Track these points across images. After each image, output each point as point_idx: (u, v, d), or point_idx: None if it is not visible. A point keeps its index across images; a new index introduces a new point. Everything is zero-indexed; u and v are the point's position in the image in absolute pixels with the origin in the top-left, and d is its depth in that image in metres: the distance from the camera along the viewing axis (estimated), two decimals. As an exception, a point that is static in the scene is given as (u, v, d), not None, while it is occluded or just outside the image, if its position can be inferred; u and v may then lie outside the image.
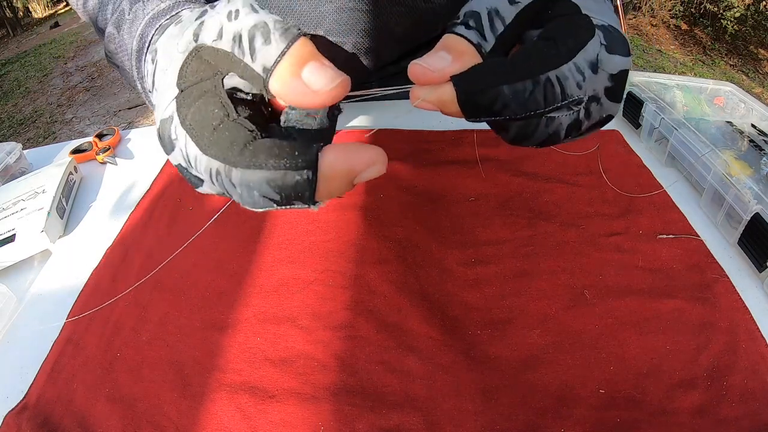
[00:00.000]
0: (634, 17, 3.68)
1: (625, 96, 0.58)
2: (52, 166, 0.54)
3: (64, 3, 5.70)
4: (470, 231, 0.45)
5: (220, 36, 0.20)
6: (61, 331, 0.39)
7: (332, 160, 0.19)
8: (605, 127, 0.56)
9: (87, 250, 0.46)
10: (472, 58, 0.21)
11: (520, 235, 0.44)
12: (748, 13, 3.36)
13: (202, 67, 0.21)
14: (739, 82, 3.02)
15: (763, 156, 0.45)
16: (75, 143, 0.62)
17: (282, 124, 0.21)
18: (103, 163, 0.59)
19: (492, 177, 0.50)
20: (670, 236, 0.43)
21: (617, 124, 0.59)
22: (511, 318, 0.37)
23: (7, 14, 4.99)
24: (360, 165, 0.19)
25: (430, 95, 0.21)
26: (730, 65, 3.29)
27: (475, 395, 0.33)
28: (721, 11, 3.41)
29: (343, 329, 0.37)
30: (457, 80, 0.21)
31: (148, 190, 0.53)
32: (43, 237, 0.45)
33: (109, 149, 0.59)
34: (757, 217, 0.39)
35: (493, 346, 0.36)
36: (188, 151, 0.20)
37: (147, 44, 0.27)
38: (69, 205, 0.52)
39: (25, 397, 0.34)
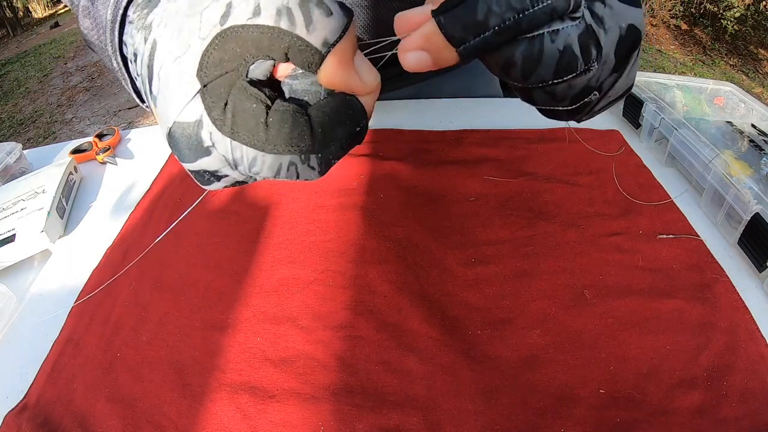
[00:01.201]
0: (634, 17, 3.67)
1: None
2: (52, 166, 0.54)
3: (64, 3, 5.70)
4: (470, 231, 0.45)
5: (257, 12, 0.18)
6: (61, 331, 0.39)
7: (366, 101, 0.21)
8: (605, 127, 0.57)
9: (87, 250, 0.46)
10: None
11: (520, 235, 0.44)
12: (748, 13, 3.36)
13: (227, 56, 0.19)
14: (739, 82, 3.02)
15: (763, 156, 0.45)
16: (75, 143, 0.62)
17: (287, 95, 0.21)
18: (103, 163, 0.59)
19: (492, 177, 0.50)
20: (670, 236, 0.43)
21: (617, 124, 0.59)
22: (511, 318, 0.37)
23: (7, 14, 4.99)
24: (373, 89, 0.21)
25: (415, 38, 0.20)
26: (730, 65, 3.29)
27: (475, 395, 0.33)
28: (721, 11, 3.41)
29: (343, 329, 0.37)
30: (436, 10, 0.19)
31: (148, 190, 0.53)
32: (43, 237, 0.45)
33: (109, 149, 0.59)
34: (757, 217, 0.39)
35: (493, 346, 0.36)
36: (238, 156, 0.20)
37: (121, 12, 0.24)
38: (69, 205, 0.52)
39: (25, 397, 0.34)
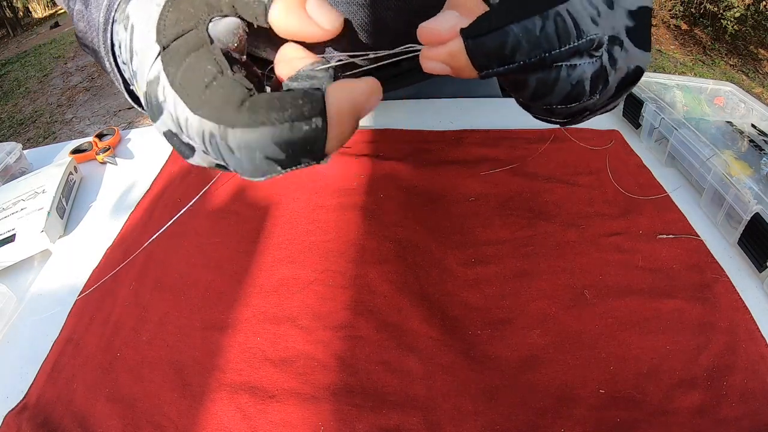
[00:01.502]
0: (634, 17, 3.67)
1: (625, 96, 0.57)
2: (52, 166, 0.54)
3: (60, 5, 5.70)
4: (470, 231, 0.45)
5: None
6: (61, 331, 0.39)
7: (338, 99, 0.18)
8: (605, 127, 0.57)
9: (87, 250, 0.46)
10: (481, 11, 0.20)
11: (520, 235, 0.44)
12: (748, 13, 3.36)
13: (181, 16, 0.19)
14: (739, 82, 3.02)
15: (763, 156, 0.45)
16: (75, 143, 0.62)
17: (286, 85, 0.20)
18: (103, 163, 0.59)
19: (492, 177, 0.50)
20: (670, 236, 0.43)
21: (617, 124, 0.59)
22: (511, 318, 0.37)
23: (7, 14, 4.99)
24: (362, 97, 0.18)
25: (440, 52, 0.20)
26: (730, 65, 3.29)
27: (475, 395, 0.33)
28: (721, 11, 3.41)
29: (343, 329, 0.37)
30: (465, 30, 0.19)
31: (148, 190, 0.53)
32: (43, 237, 0.45)
33: (109, 149, 0.59)
34: (757, 217, 0.39)
35: (493, 346, 0.36)
36: (178, 113, 0.19)
37: (113, 14, 0.25)
38: (69, 205, 0.52)
39: (25, 397, 0.34)
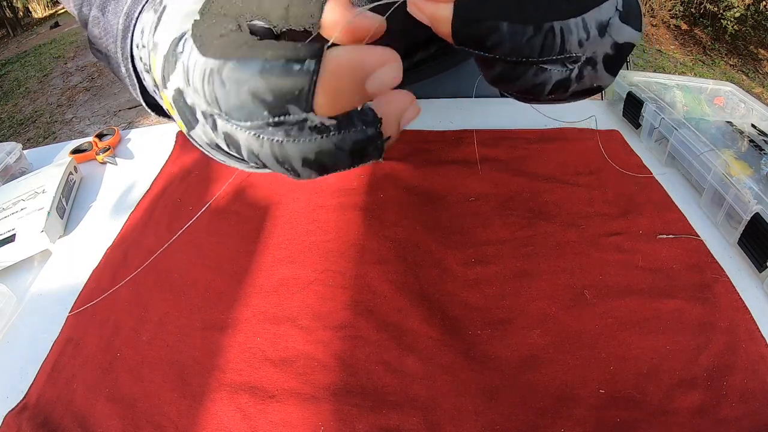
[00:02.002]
0: (634, 17, 3.67)
1: (625, 97, 0.58)
2: (52, 166, 0.54)
3: (68, 10, 5.70)
4: (470, 231, 0.45)
5: None
6: (61, 331, 0.39)
7: (339, 52, 0.17)
8: (605, 127, 0.57)
9: (87, 250, 0.46)
10: None
11: (520, 235, 0.44)
12: (748, 13, 3.36)
13: (228, 5, 0.19)
14: (739, 82, 3.02)
15: (763, 156, 0.45)
16: (75, 143, 0.62)
17: None
18: (103, 163, 0.59)
19: (492, 177, 0.50)
20: (670, 236, 0.43)
21: (617, 124, 0.59)
22: (511, 318, 0.37)
23: (7, 14, 4.99)
24: (371, 61, 0.17)
25: (429, 8, 0.20)
26: (730, 65, 3.29)
27: (475, 395, 0.33)
28: (721, 11, 3.41)
29: (343, 329, 0.37)
30: (460, 5, 0.19)
31: (148, 190, 0.53)
32: (43, 237, 0.45)
33: (109, 149, 0.59)
34: (757, 217, 0.39)
35: (493, 346, 0.36)
36: (189, 61, 0.19)
37: (133, 22, 0.25)
38: (69, 205, 0.52)
39: (25, 397, 0.34)
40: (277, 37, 0.20)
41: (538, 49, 0.20)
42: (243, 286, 0.41)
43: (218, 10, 0.19)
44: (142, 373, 0.35)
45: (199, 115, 0.20)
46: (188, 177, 0.54)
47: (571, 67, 0.21)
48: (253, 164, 0.21)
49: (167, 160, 0.57)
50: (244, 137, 0.18)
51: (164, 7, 0.21)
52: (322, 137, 0.17)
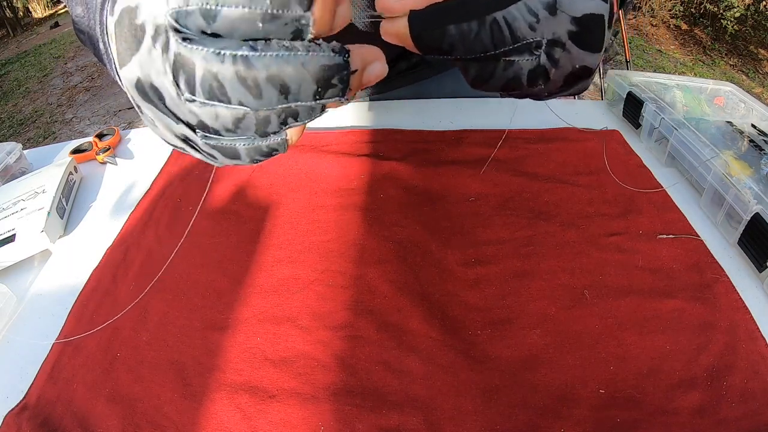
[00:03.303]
0: (634, 17, 3.68)
1: (625, 97, 0.58)
2: (52, 166, 0.54)
3: (64, 3, 5.70)
4: (470, 231, 0.45)
5: None
6: (61, 331, 0.39)
7: None
8: (605, 127, 0.57)
9: (87, 250, 0.46)
10: None
11: (520, 235, 0.44)
12: (748, 13, 3.36)
13: None
14: (739, 82, 3.02)
15: (763, 156, 0.45)
16: (75, 143, 0.62)
17: None
18: (103, 163, 0.59)
19: (492, 177, 0.50)
20: (670, 236, 0.43)
21: (617, 124, 0.59)
22: (511, 318, 0.37)
23: (7, 14, 4.99)
24: None
25: (390, 27, 0.21)
26: (730, 65, 3.28)
27: (475, 395, 0.33)
28: (721, 11, 3.41)
29: (343, 329, 0.37)
30: (413, 16, 0.21)
31: (148, 190, 0.53)
32: (43, 237, 0.45)
33: (109, 149, 0.59)
34: (757, 217, 0.39)
35: (493, 346, 0.36)
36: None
37: None
38: (69, 205, 0.52)
39: (25, 397, 0.34)
40: None
41: (490, 42, 0.20)
42: (243, 286, 0.41)
43: None
44: (142, 373, 0.35)
45: (147, 38, 0.18)
46: (188, 177, 0.54)
47: (536, 53, 0.21)
48: (205, 132, 0.19)
49: (167, 160, 0.57)
50: (202, 57, 0.17)
51: None
52: (290, 54, 0.17)
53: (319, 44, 0.18)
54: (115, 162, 0.59)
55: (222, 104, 0.18)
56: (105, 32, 0.25)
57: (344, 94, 0.19)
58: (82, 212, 0.52)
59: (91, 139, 0.62)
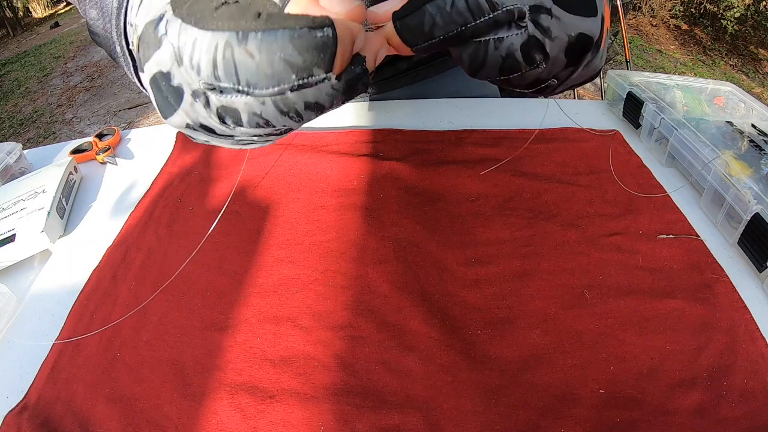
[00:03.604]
0: (634, 17, 3.68)
1: (625, 97, 0.58)
2: (52, 166, 0.54)
3: (64, 3, 5.70)
4: (470, 231, 0.45)
5: None
6: (61, 331, 0.39)
7: (342, 28, 0.19)
8: (605, 127, 0.57)
9: (87, 250, 0.46)
10: None
11: (520, 235, 0.44)
12: (748, 13, 3.36)
13: None
14: (739, 82, 3.02)
15: (763, 156, 0.45)
16: (75, 143, 0.62)
17: None
18: (103, 163, 0.59)
19: (492, 177, 0.50)
20: (670, 236, 0.43)
21: (617, 124, 0.59)
22: (511, 318, 0.37)
23: (7, 14, 4.99)
24: (356, 29, 0.20)
25: (379, 37, 0.22)
26: (730, 65, 3.28)
27: (475, 395, 0.33)
28: (721, 11, 3.41)
29: (343, 329, 0.37)
30: (395, 15, 0.22)
31: (148, 190, 0.53)
32: (43, 237, 0.45)
33: (109, 149, 0.59)
34: (757, 217, 0.39)
35: (493, 346, 0.36)
36: (182, 41, 0.19)
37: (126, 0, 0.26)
38: (69, 205, 0.52)
39: (25, 397, 0.34)
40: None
41: (468, 13, 0.20)
42: (243, 286, 0.41)
43: None
44: (142, 373, 0.35)
45: (186, 96, 0.20)
46: (188, 177, 0.54)
47: (522, 24, 0.21)
48: (242, 137, 0.22)
49: (167, 160, 0.57)
50: (243, 102, 0.19)
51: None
52: (316, 87, 0.19)
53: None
54: (115, 162, 0.59)
55: (268, 127, 0.21)
56: (122, 35, 0.27)
57: (367, 88, 0.22)
58: (82, 212, 0.52)
59: (91, 139, 0.62)
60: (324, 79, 0.19)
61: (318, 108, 0.20)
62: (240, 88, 0.19)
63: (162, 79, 0.20)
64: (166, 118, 0.21)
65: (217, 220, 0.46)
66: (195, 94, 0.20)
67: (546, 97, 0.27)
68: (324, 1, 0.20)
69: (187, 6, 0.19)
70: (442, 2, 0.20)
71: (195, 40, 0.19)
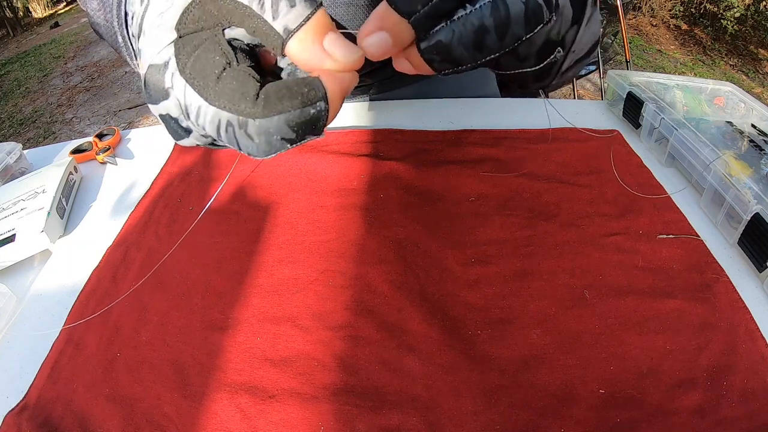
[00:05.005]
0: (634, 17, 3.68)
1: (625, 97, 0.58)
2: (52, 166, 0.54)
3: (64, 3, 5.70)
4: (470, 231, 0.45)
5: None
6: (61, 331, 0.39)
7: (333, 86, 0.20)
8: (605, 127, 0.57)
9: (87, 250, 0.46)
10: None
11: (520, 235, 0.44)
12: (748, 13, 3.36)
13: (204, 16, 0.21)
14: (739, 82, 3.02)
15: (763, 156, 0.45)
16: (75, 143, 0.62)
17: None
18: (103, 163, 0.59)
19: (492, 177, 0.50)
20: (670, 236, 0.43)
21: (617, 124, 0.59)
22: (511, 318, 0.37)
23: (7, 14, 4.99)
24: (349, 83, 0.21)
25: (371, 21, 0.21)
26: (730, 65, 3.28)
27: (475, 395, 0.33)
28: (721, 11, 3.41)
29: (343, 329, 0.37)
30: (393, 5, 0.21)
31: (148, 190, 0.53)
32: (43, 237, 0.45)
33: (109, 149, 0.59)
34: (757, 217, 0.39)
35: (493, 346, 0.36)
36: (188, 102, 0.20)
37: None
38: (69, 205, 0.52)
39: (25, 397, 0.34)
40: (251, 49, 0.22)
41: None
42: (243, 286, 0.41)
43: (194, 25, 0.21)
44: (142, 373, 0.35)
45: (194, 135, 0.22)
46: (188, 177, 0.54)
47: None
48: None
49: (167, 160, 0.57)
50: (244, 147, 0.21)
51: (148, 4, 0.22)
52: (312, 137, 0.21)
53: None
54: (115, 162, 0.59)
55: None
56: (123, 25, 0.27)
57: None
58: (82, 212, 0.52)
59: (91, 139, 0.62)
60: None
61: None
62: (242, 151, 0.21)
63: (171, 120, 0.22)
64: (177, 141, 0.23)
65: (205, 208, 0.46)
66: (204, 136, 0.22)
67: (547, 88, 0.27)
68: (328, 44, 0.20)
69: (191, 64, 0.20)
70: None
71: (200, 108, 0.20)
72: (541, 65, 0.24)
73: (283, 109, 0.19)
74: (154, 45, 0.21)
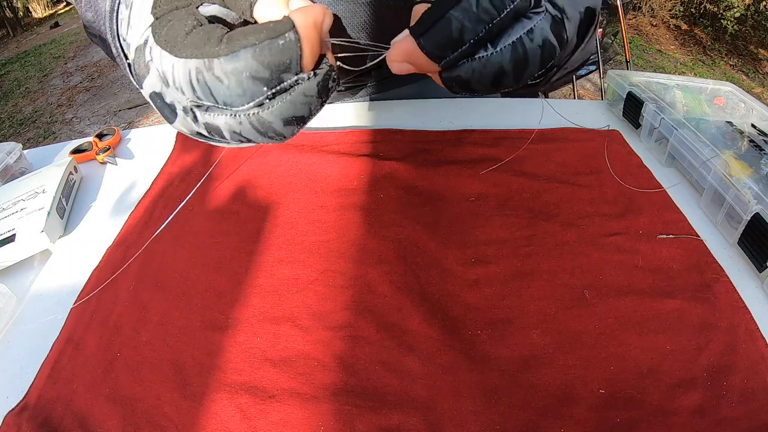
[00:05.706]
0: (634, 17, 3.68)
1: (625, 97, 0.58)
2: (52, 166, 0.54)
3: (64, 3, 5.70)
4: (470, 231, 0.45)
5: None
6: (61, 331, 0.39)
7: (302, 16, 0.19)
8: (605, 127, 0.57)
9: (87, 250, 0.46)
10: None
11: (520, 235, 0.44)
12: (748, 13, 3.36)
13: None
14: (739, 82, 3.01)
15: (763, 156, 0.45)
16: (75, 143, 0.62)
17: None
18: (103, 163, 0.59)
19: (492, 177, 0.50)
20: (670, 236, 0.43)
21: (617, 124, 0.59)
22: (511, 318, 0.37)
23: (7, 14, 4.99)
24: (318, 14, 0.20)
25: (397, 53, 0.22)
26: (730, 65, 3.28)
27: (475, 395, 0.33)
28: (721, 11, 3.41)
29: (343, 329, 0.37)
30: (412, 29, 0.21)
31: (148, 190, 0.53)
32: (43, 237, 0.45)
33: (109, 149, 0.59)
34: (757, 217, 0.39)
35: (493, 346, 0.36)
36: (164, 66, 0.20)
37: (117, 3, 0.27)
38: (69, 205, 0.52)
39: (25, 397, 0.34)
40: (230, 27, 0.22)
41: (492, 8, 0.20)
42: (243, 286, 0.41)
43: (168, 5, 0.21)
44: (142, 373, 0.35)
45: (179, 111, 0.22)
46: (188, 177, 0.54)
47: (541, 8, 0.22)
48: (236, 142, 0.23)
49: (167, 160, 0.57)
50: (223, 121, 0.21)
51: (132, 3, 0.23)
52: (290, 94, 0.20)
53: (311, 73, 0.21)
54: (115, 162, 0.59)
55: (252, 143, 0.22)
56: (116, 37, 0.28)
57: (340, 83, 0.23)
58: (82, 212, 0.52)
59: (91, 139, 0.62)
60: (296, 82, 0.20)
61: (298, 121, 0.21)
62: (220, 105, 0.20)
63: (157, 97, 0.22)
64: (171, 124, 0.23)
65: (189, 196, 0.46)
66: (185, 110, 0.21)
67: (543, 89, 0.28)
68: (294, 5, 0.21)
69: (165, 31, 0.20)
70: (467, 4, 0.20)
71: (173, 66, 0.20)
72: (534, 81, 0.25)
73: (247, 43, 0.19)
74: (137, 32, 0.22)
